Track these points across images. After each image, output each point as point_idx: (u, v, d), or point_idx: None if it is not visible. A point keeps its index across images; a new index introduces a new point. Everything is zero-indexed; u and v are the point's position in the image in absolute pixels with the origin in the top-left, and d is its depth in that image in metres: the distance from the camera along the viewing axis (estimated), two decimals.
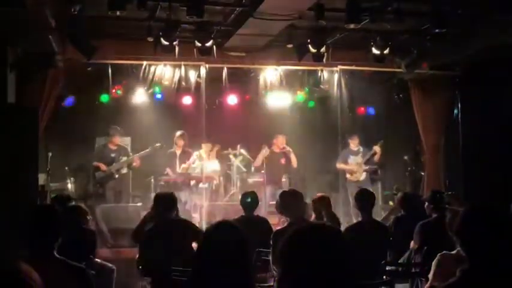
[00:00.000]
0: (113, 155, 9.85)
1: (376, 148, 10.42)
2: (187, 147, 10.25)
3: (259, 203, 6.90)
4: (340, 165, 10.58)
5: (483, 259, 2.35)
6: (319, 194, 6.57)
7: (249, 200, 6.42)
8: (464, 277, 2.38)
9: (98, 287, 3.23)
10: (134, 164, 9.93)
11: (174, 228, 5.52)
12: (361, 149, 10.58)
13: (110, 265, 6.36)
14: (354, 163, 10.50)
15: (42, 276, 1.81)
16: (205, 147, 10.27)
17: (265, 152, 10.44)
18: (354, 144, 10.60)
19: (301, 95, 11.16)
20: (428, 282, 3.72)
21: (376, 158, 10.48)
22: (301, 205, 5.24)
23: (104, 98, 10.41)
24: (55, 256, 3.13)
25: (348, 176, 10.53)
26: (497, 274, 2.31)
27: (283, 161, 10.55)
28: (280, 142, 10.56)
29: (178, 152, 10.22)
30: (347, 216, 9.62)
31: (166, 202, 5.70)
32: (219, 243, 2.44)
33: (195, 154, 10.18)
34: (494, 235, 2.36)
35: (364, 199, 5.93)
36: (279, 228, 5.76)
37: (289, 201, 5.19)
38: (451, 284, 2.41)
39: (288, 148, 10.54)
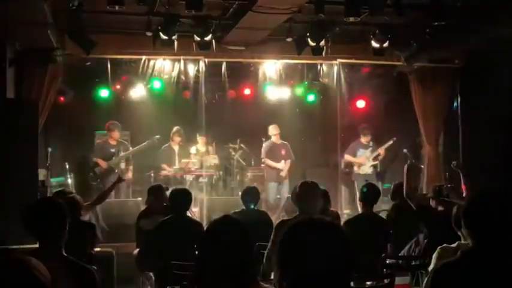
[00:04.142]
0: (112, 150, 9.86)
1: (381, 150, 10.44)
2: (183, 142, 10.26)
3: (260, 197, 6.91)
4: (348, 158, 10.50)
5: (487, 240, 2.42)
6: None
7: (250, 194, 6.41)
8: (465, 256, 2.47)
9: (99, 275, 3.17)
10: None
11: (187, 226, 5.51)
12: (371, 144, 10.57)
13: (109, 249, 6.34)
14: (364, 156, 10.50)
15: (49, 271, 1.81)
16: (200, 140, 10.27)
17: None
18: (365, 139, 10.57)
19: (300, 89, 11.15)
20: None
21: (379, 158, 10.51)
22: (313, 199, 5.02)
23: (104, 92, 10.40)
24: (63, 254, 3.06)
25: (355, 168, 10.52)
26: (498, 256, 2.38)
27: (283, 151, 10.53)
28: (275, 131, 10.52)
29: (176, 147, 10.24)
30: (352, 209, 9.68)
31: (182, 198, 5.72)
32: (222, 237, 2.44)
33: (193, 149, 10.18)
34: (500, 217, 2.44)
35: (369, 192, 5.92)
36: (284, 219, 5.69)
37: (303, 192, 4.99)
38: (451, 262, 2.49)
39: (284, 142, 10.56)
